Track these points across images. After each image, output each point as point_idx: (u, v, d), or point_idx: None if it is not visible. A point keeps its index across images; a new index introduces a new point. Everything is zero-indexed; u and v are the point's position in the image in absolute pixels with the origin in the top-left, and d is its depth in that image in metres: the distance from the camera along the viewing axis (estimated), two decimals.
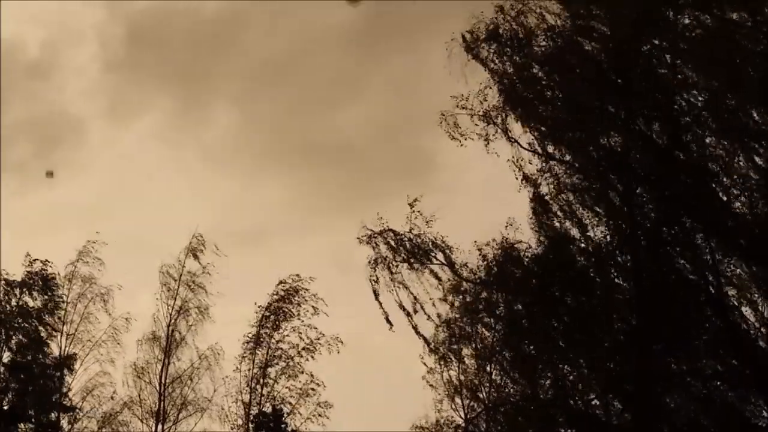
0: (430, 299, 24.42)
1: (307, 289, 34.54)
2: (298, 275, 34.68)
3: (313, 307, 34.24)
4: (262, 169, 62.48)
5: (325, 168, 61.95)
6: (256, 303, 34.53)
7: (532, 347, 23.96)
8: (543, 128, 23.63)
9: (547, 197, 23.99)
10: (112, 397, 33.56)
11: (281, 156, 63.55)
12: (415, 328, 24.21)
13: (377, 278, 24.38)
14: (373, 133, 63.95)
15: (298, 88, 63.96)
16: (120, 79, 67.56)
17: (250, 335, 34.22)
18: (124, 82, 65.94)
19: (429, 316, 24.50)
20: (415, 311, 24.28)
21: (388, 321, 24.12)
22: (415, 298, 24.20)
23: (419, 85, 59.56)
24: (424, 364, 25.07)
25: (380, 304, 24.28)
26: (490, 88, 23.71)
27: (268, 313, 34.32)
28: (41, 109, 62.42)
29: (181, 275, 34.89)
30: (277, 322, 34.34)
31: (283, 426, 32.05)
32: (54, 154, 61.40)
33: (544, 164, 24.07)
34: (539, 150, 23.96)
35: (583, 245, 23.63)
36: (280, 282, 34.77)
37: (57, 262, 34.85)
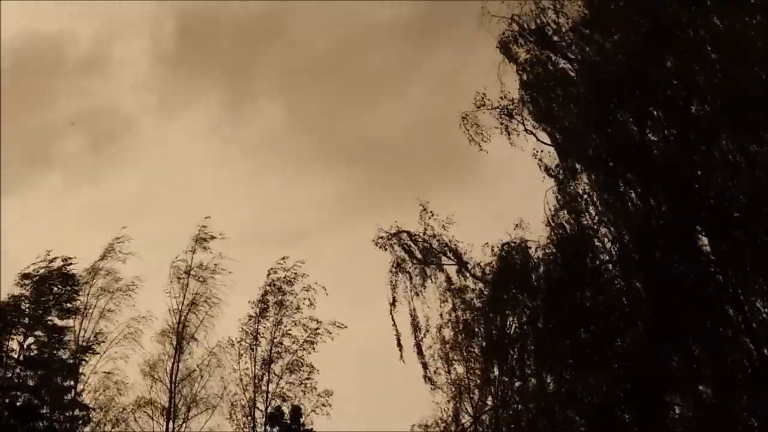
0: (440, 307, 24.48)
1: (299, 275, 34.57)
2: (284, 258, 34.64)
3: (309, 299, 34.30)
4: (307, 166, 62.53)
5: (370, 164, 61.85)
6: (249, 301, 34.72)
7: (542, 345, 23.96)
8: (561, 126, 23.84)
9: (563, 193, 24.13)
10: (120, 393, 33.86)
11: (326, 152, 63.52)
12: (418, 346, 24.14)
13: (396, 284, 24.21)
14: (419, 129, 63.77)
15: (344, 84, 63.96)
16: (169, 73, 68.04)
17: (244, 332, 34.27)
18: (173, 76, 66.27)
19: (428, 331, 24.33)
20: (425, 330, 24.22)
21: (399, 344, 23.91)
22: (414, 320, 24.09)
23: (466, 80, 59.61)
24: (425, 369, 24.99)
25: (393, 321, 24.01)
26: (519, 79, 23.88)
27: (264, 306, 34.36)
28: (91, 104, 62.71)
29: (190, 269, 34.97)
30: (278, 318, 34.39)
31: (301, 426, 32.10)
32: (103, 149, 61.64)
33: (561, 160, 24.19)
34: (556, 145, 24.19)
35: (598, 243, 23.76)
36: (270, 272, 34.78)
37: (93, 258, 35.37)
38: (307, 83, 67.12)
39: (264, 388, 33.68)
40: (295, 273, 34.60)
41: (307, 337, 34.03)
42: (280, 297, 34.55)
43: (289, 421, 32.45)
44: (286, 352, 34.15)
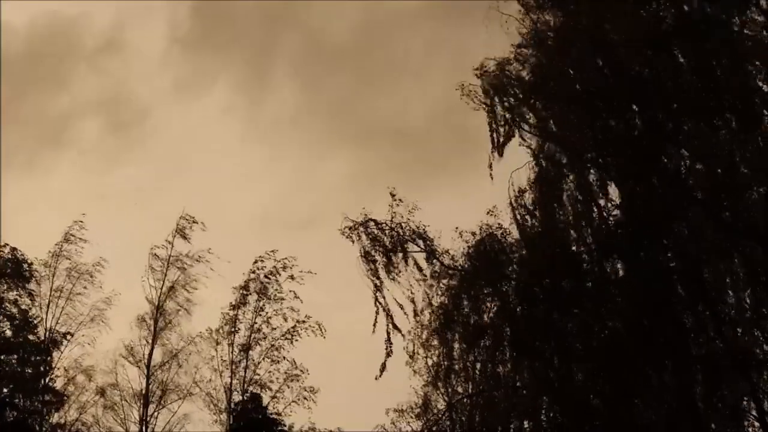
0: (411, 293, 24.44)
1: (286, 267, 34.45)
2: (273, 251, 34.53)
3: (293, 292, 34.23)
4: (325, 149, 61.79)
5: (389, 148, 61.14)
6: (233, 287, 34.59)
7: (518, 333, 23.87)
8: (551, 109, 23.83)
9: (544, 181, 24.08)
10: (90, 380, 33.73)
11: (344, 135, 62.72)
12: (388, 335, 24.16)
13: (375, 270, 24.13)
14: (439, 113, 62.76)
15: (363, 67, 63.03)
16: (185, 56, 67.36)
17: (227, 316, 34.17)
18: (189, 59, 65.49)
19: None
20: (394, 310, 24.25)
21: (386, 314, 23.95)
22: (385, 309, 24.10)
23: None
24: (408, 354, 24.99)
25: (376, 299, 23.94)
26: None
27: (245, 293, 34.27)
28: (109, 88, 62.02)
29: (169, 257, 34.83)
30: (259, 303, 34.30)
31: (264, 411, 31.99)
32: (119, 132, 61.08)
33: (541, 145, 24.25)
34: (539, 131, 24.20)
35: (577, 231, 23.69)
36: (257, 260, 34.68)
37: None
38: (326, 66, 66.37)
39: (242, 374, 33.58)
40: (284, 264, 34.47)
41: (290, 328, 33.99)
42: (263, 285, 34.43)
43: (252, 414, 32.19)
44: (264, 339, 34.02)
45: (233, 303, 34.52)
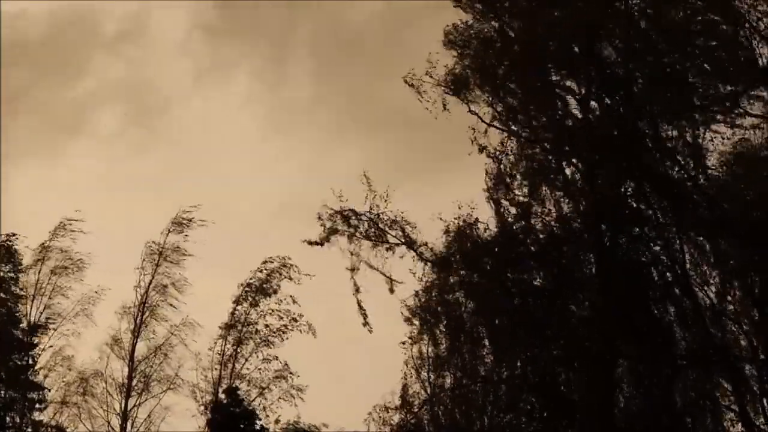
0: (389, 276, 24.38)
1: (290, 267, 34.42)
2: (283, 258, 34.51)
3: (292, 297, 34.23)
4: (342, 137, 61.26)
5: (402, 138, 60.74)
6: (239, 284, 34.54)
7: (493, 326, 23.82)
8: (505, 104, 23.71)
9: (508, 172, 24.08)
10: (69, 370, 33.59)
11: (361, 123, 62.32)
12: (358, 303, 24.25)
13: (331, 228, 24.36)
14: (452, 103, 62.49)
15: (381, 55, 62.55)
16: (207, 43, 67.08)
17: (229, 311, 34.11)
18: (211, 46, 65.02)
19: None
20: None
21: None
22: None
23: None
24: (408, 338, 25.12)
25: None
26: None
27: (248, 290, 34.22)
28: (129, 75, 61.71)
29: (162, 250, 34.72)
30: (256, 301, 34.25)
31: (242, 405, 31.86)
32: (138, 120, 60.84)
33: (505, 139, 24.21)
34: (502, 126, 24.15)
35: (544, 222, 23.66)
36: (265, 261, 34.66)
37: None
38: (342, 55, 66.13)
39: (230, 366, 33.55)
40: (284, 263, 34.38)
41: (282, 326, 33.94)
42: (264, 283, 34.39)
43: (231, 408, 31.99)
44: (257, 335, 34.00)
45: (236, 298, 34.47)
